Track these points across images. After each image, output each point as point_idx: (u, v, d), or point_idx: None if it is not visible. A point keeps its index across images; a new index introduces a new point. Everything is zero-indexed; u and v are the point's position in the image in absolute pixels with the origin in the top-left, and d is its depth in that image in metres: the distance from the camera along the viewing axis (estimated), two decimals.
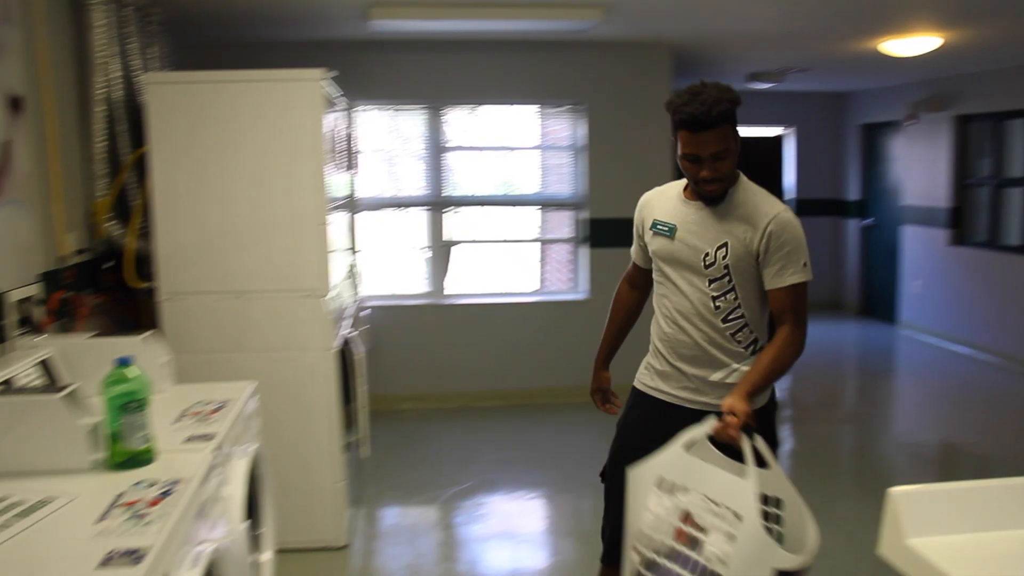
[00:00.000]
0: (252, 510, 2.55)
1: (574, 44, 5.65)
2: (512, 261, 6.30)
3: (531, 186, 6.10)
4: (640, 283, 2.77)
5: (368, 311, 5.36)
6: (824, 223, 9.36)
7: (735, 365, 2.47)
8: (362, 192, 5.69)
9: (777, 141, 6.45)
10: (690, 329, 2.48)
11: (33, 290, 3.05)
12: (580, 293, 6.05)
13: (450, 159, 5.94)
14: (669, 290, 2.53)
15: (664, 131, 5.74)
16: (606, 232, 5.82)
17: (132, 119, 3.72)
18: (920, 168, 8.01)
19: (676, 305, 2.50)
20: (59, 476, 2.01)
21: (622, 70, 5.79)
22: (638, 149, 5.80)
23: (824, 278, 9.42)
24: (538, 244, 6.26)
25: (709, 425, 2.26)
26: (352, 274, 4.72)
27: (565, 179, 5.99)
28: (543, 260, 6.30)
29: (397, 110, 5.91)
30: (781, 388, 6.12)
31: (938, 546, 1.63)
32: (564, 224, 6.10)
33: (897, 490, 1.70)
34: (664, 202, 2.56)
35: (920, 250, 8.06)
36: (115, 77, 3.63)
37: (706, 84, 2.31)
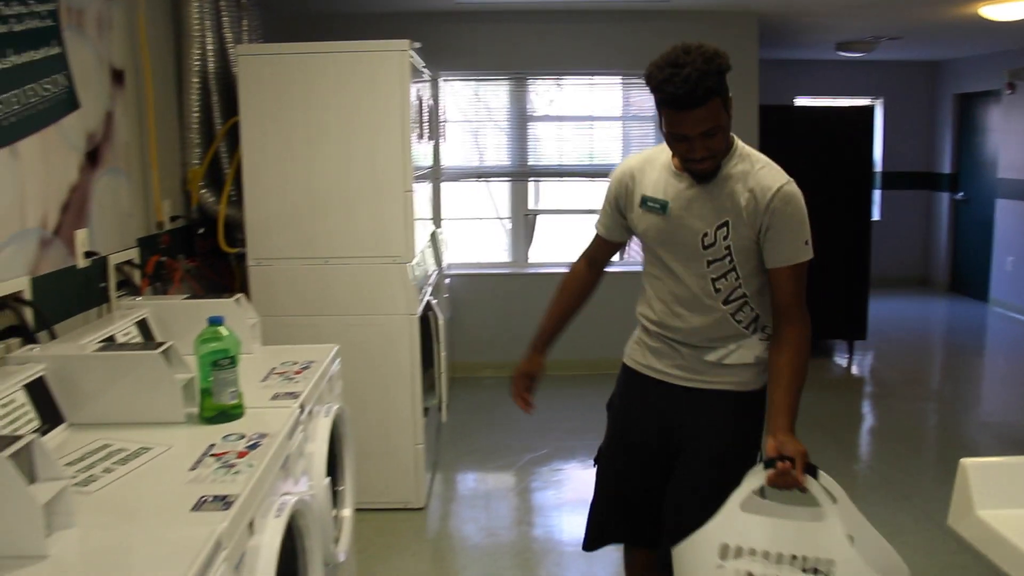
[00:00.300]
0: (333, 468, 2.66)
1: (658, 13, 5.61)
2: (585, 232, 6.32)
3: (613, 157, 6.10)
4: (600, 260, 2.50)
5: (450, 279, 5.45)
6: (914, 196, 9.11)
7: (733, 345, 2.24)
8: (447, 162, 5.77)
9: (865, 112, 6.28)
10: (687, 315, 2.24)
11: (132, 254, 3.22)
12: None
13: (533, 129, 5.98)
14: (663, 273, 2.28)
15: (747, 102, 5.67)
16: None
17: (225, 90, 3.86)
18: (1018, 140, 7.72)
19: (672, 290, 2.26)
20: (156, 428, 2.14)
21: (706, 39, 5.70)
22: None
23: (913, 253, 9.18)
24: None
25: (761, 476, 2.04)
26: (435, 243, 4.82)
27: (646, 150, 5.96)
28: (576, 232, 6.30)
29: (481, 81, 5.97)
30: (860, 365, 6.05)
31: (1008, 519, 1.62)
32: None
33: (968, 461, 1.70)
34: (652, 173, 2.25)
35: (1015, 225, 7.78)
36: (209, 50, 3.77)
37: (689, 50, 2.05)
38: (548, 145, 6.04)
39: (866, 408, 5.59)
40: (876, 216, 8.93)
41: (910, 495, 3.89)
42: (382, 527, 3.60)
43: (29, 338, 2.42)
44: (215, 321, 2.23)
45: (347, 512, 2.81)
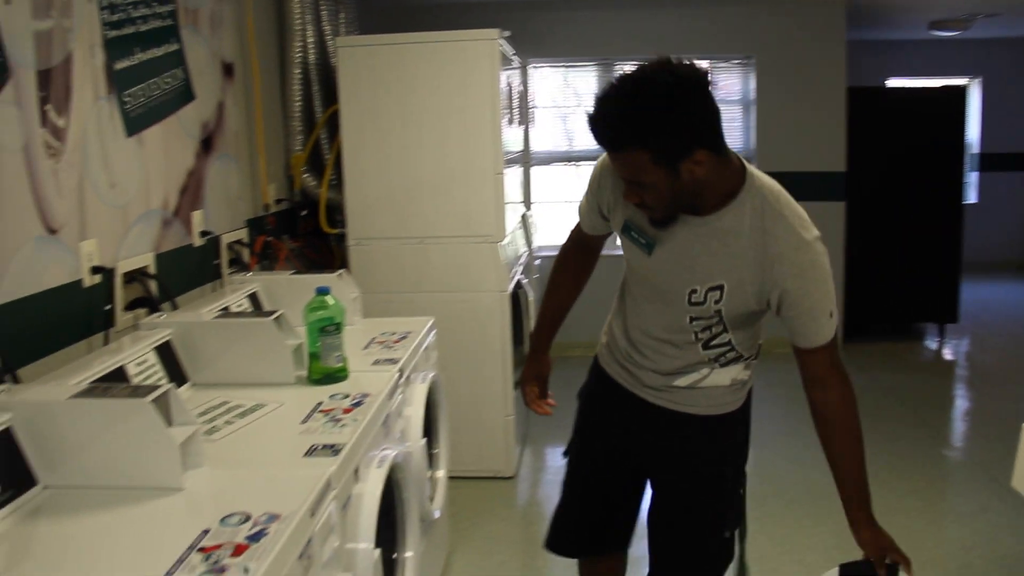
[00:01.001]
0: (429, 431, 2.83)
1: None
2: None
3: None
4: (590, 246, 2.17)
5: (540, 260, 5.59)
6: (1013, 178, 8.85)
7: (706, 370, 1.94)
8: (537, 147, 5.91)
9: (958, 92, 6.17)
10: (658, 347, 1.95)
11: (241, 234, 3.45)
12: None
13: None
14: (640, 301, 1.97)
15: (834, 86, 5.65)
16: None
17: (325, 80, 4.07)
18: None
19: (647, 322, 1.95)
20: (268, 388, 2.34)
21: (793, 23, 5.72)
22: (808, 103, 5.73)
23: (1012, 237, 8.93)
24: None
25: None
26: (526, 225, 4.96)
27: (734, 134, 5.98)
28: None
29: (569, 67, 6.08)
30: (952, 349, 5.96)
31: None
32: None
33: None
34: None
35: None
36: (310, 43, 3.99)
37: (625, 81, 1.62)
38: None
39: (957, 391, 5.52)
40: (972, 199, 8.72)
41: (997, 476, 3.87)
42: (474, 494, 3.77)
43: (154, 308, 2.66)
44: (322, 291, 2.41)
45: (441, 474, 2.98)
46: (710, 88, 1.61)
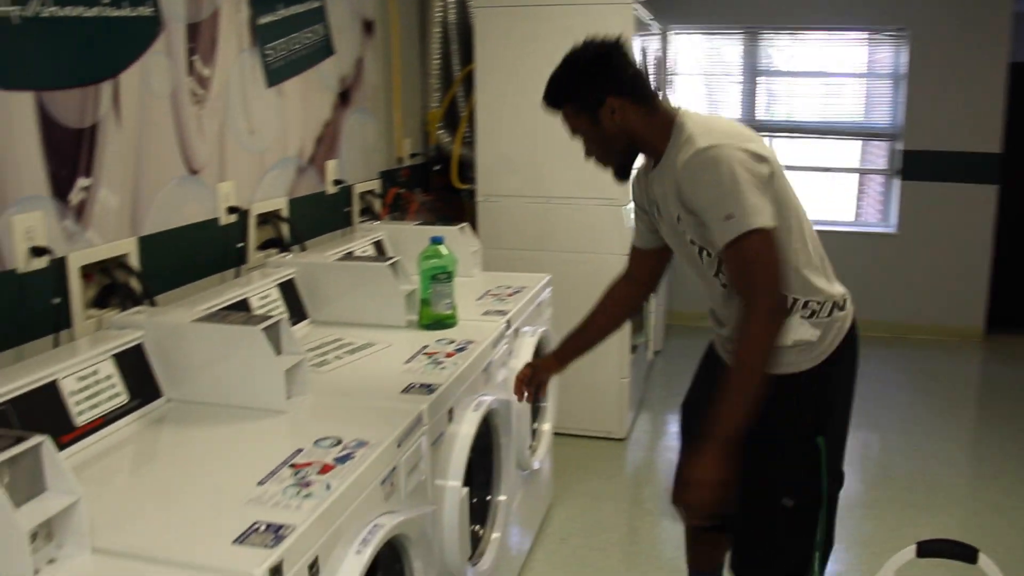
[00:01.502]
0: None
1: None
2: (823, 190, 6.18)
3: (847, 114, 5.92)
4: (640, 275, 2.24)
5: None
6: None
7: None
8: None
9: None
10: (718, 310, 2.02)
11: (374, 185, 3.61)
12: (889, 227, 5.84)
13: (767, 84, 5.92)
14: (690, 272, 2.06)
15: (994, 60, 5.33)
16: (921, 165, 5.54)
17: (463, 40, 4.17)
18: None
19: (702, 287, 2.03)
20: (381, 329, 2.48)
21: None
22: (964, 79, 5.42)
23: None
24: (848, 174, 6.08)
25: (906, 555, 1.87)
26: None
27: (882, 108, 5.75)
28: (842, 191, 6.12)
29: (713, 34, 5.97)
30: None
31: None
32: (878, 155, 5.88)
33: None
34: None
35: None
36: (450, 3, 4.09)
37: (572, 52, 1.95)
38: (782, 101, 5.97)
39: None
40: None
41: None
42: (583, 451, 3.84)
43: (285, 249, 2.84)
44: (436, 240, 2.53)
45: (547, 427, 3.06)
46: (618, 51, 1.92)
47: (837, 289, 1.99)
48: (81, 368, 1.71)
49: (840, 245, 6.05)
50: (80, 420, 1.67)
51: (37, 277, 1.93)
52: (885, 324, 5.62)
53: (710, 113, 2.05)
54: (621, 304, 2.28)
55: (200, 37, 2.46)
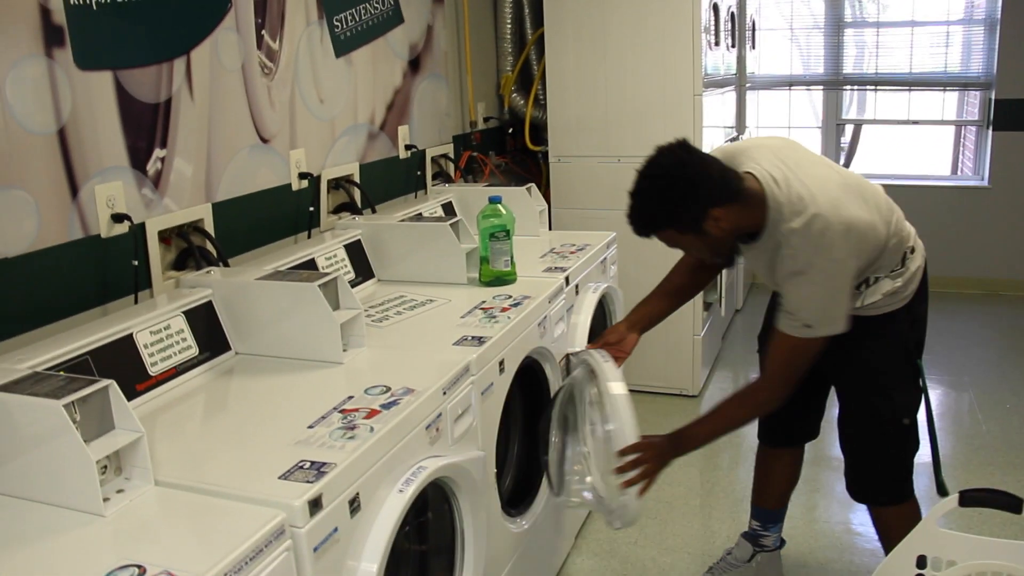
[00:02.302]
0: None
1: None
2: (911, 143, 6.01)
3: (936, 64, 5.71)
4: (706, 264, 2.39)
5: None
6: None
7: (855, 302, 2.07)
8: (758, 70, 5.76)
9: None
10: None
11: (447, 149, 3.71)
12: (980, 179, 5.63)
13: (852, 36, 5.76)
14: None
15: None
16: (1015, 114, 5.31)
17: (535, 2, 4.21)
18: None
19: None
20: (443, 286, 2.59)
21: None
22: None
23: None
24: (941, 127, 5.88)
25: (949, 503, 1.88)
26: None
27: (973, 57, 5.52)
28: (930, 144, 5.92)
29: None
30: None
31: None
32: (967, 106, 5.66)
33: None
34: None
35: None
36: None
37: (643, 177, 1.93)
38: (866, 52, 5.79)
39: None
40: None
41: None
42: (655, 407, 3.90)
43: (357, 212, 2.97)
44: (494, 200, 2.61)
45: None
46: (695, 159, 1.90)
47: (907, 240, 2.08)
48: (154, 323, 1.87)
49: (930, 199, 5.90)
50: (154, 370, 1.83)
51: (118, 241, 2.10)
52: (975, 280, 5.45)
53: (781, 145, 2.06)
54: (688, 287, 2.47)
55: (268, 12, 2.59)
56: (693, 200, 1.88)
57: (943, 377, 4.20)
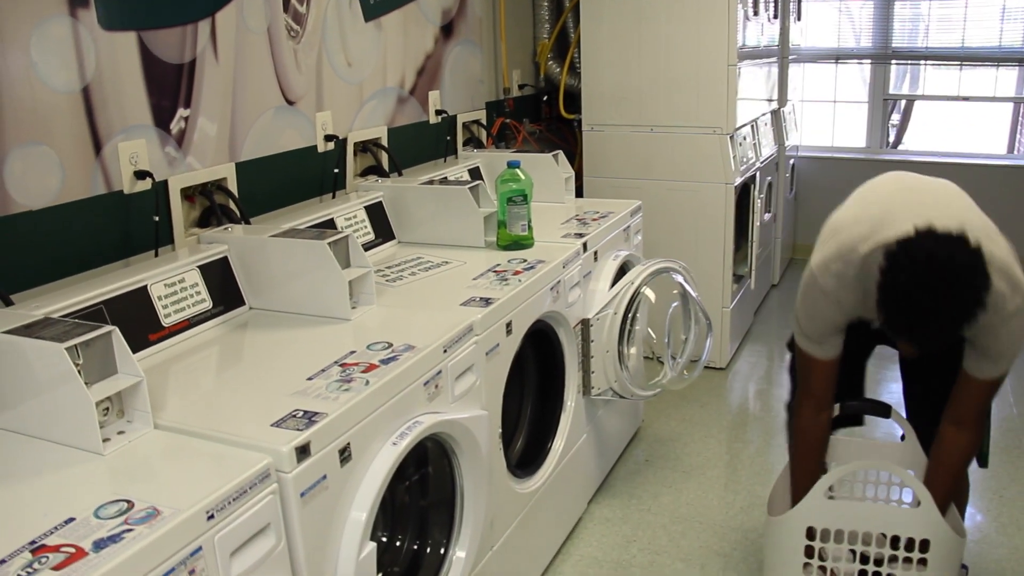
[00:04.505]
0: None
1: None
2: (965, 120, 5.87)
3: (989, 38, 5.55)
4: (828, 397, 2.16)
5: (794, 159, 5.45)
6: None
7: None
8: (803, 42, 5.67)
9: None
10: None
11: (479, 115, 3.73)
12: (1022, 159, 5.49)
13: (901, 10, 5.62)
14: None
15: None
16: None
17: None
18: None
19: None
20: (461, 249, 2.62)
21: None
22: None
23: None
24: (998, 104, 5.72)
25: (842, 471, 2.11)
26: (777, 122, 4.86)
27: None
28: (987, 121, 5.77)
29: None
30: None
31: None
32: (1021, 81, 5.51)
33: None
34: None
35: None
36: None
37: (944, 279, 1.61)
38: (915, 26, 5.65)
39: None
40: None
41: None
42: None
43: (385, 176, 3.01)
44: (513, 164, 2.63)
45: (634, 351, 3.14)
46: (958, 239, 1.66)
47: None
48: (169, 276, 1.93)
49: (980, 178, 5.78)
50: (167, 321, 1.89)
51: (141, 198, 2.17)
52: None
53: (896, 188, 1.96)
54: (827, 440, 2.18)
55: None
56: (985, 289, 1.67)
57: None
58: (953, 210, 1.84)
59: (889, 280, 1.67)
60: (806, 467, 2.15)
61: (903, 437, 2.24)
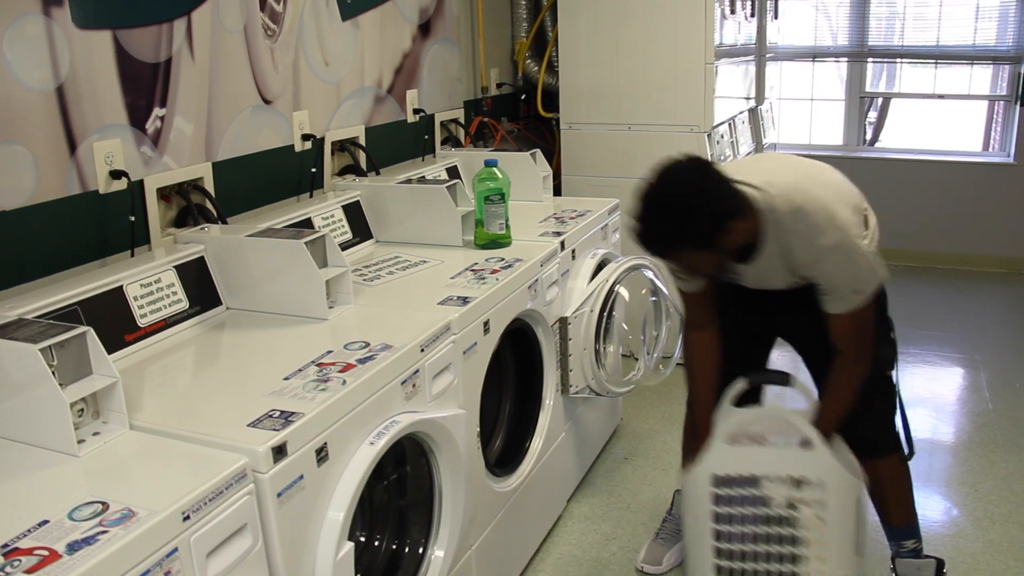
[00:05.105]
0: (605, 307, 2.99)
1: None
2: (941, 118, 5.92)
3: (964, 36, 5.60)
4: (706, 319, 2.34)
5: None
6: None
7: None
8: (780, 40, 5.70)
9: None
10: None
11: (457, 114, 3.74)
12: (1006, 156, 5.54)
13: (877, 7, 5.66)
14: None
15: None
16: None
17: None
18: None
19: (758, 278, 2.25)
20: (439, 248, 2.63)
21: None
22: None
23: None
24: (970, 102, 5.78)
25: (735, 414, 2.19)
26: (755, 119, 4.88)
27: (1008, 30, 5.41)
28: (955, 119, 5.82)
29: None
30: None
31: None
32: (1000, 81, 5.55)
33: None
34: None
35: None
36: None
37: (651, 200, 1.83)
38: (890, 24, 5.69)
39: None
40: None
41: None
42: (667, 378, 3.91)
43: (362, 175, 3.01)
44: (490, 163, 2.63)
45: (611, 348, 3.16)
46: (711, 169, 1.87)
47: (862, 202, 2.11)
48: (145, 276, 1.93)
49: (953, 176, 5.83)
50: (143, 322, 1.89)
51: (117, 197, 2.16)
52: (997, 259, 5.39)
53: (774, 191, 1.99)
54: (716, 358, 2.28)
55: None
56: (708, 217, 1.83)
57: (955, 355, 4.18)
58: (790, 170, 2.03)
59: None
60: (694, 385, 2.35)
61: None
